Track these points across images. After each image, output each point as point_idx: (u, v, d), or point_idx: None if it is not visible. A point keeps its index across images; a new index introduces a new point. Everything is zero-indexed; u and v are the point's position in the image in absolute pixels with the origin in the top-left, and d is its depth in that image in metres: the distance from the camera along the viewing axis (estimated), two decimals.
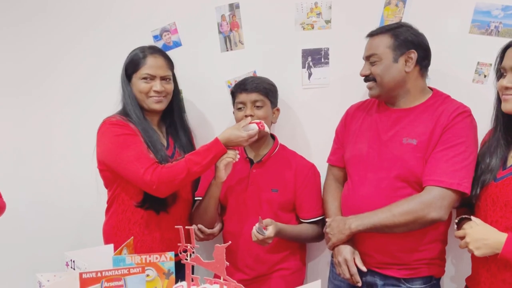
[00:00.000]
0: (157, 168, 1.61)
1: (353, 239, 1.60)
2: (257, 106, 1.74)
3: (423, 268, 1.54)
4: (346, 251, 1.57)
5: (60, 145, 2.26)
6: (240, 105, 1.76)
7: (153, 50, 1.77)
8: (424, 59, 1.55)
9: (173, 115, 1.83)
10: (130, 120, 1.69)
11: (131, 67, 1.73)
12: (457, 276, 1.73)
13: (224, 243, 1.77)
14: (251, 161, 1.80)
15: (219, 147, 1.62)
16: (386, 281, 1.56)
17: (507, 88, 1.33)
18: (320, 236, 1.81)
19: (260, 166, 1.79)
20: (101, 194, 1.87)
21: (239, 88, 1.76)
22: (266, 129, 1.68)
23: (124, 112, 1.73)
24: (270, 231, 1.59)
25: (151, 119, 1.77)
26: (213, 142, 1.64)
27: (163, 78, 1.74)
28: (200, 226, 1.75)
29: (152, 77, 1.72)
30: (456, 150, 1.45)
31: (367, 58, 1.58)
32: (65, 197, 2.27)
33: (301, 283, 1.80)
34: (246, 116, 1.72)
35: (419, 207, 1.44)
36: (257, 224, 1.59)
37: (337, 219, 1.60)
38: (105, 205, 1.81)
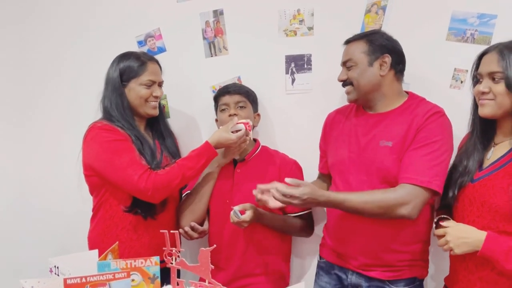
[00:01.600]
0: (151, 175, 1.61)
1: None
2: (240, 107, 1.79)
3: (406, 270, 1.57)
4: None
5: (43, 150, 2.25)
6: (223, 107, 1.79)
7: (150, 56, 1.81)
8: (398, 63, 1.60)
9: (158, 120, 1.85)
10: (118, 126, 1.68)
11: (129, 73, 1.73)
12: (436, 276, 1.77)
13: (209, 243, 1.81)
14: (234, 162, 1.82)
15: (210, 151, 1.66)
16: (371, 283, 1.59)
17: (483, 93, 1.37)
18: (307, 230, 1.86)
19: (244, 165, 1.82)
20: (86, 200, 1.85)
21: (222, 92, 1.82)
22: (250, 134, 1.71)
23: (108, 118, 1.72)
24: (246, 215, 1.63)
25: (139, 125, 1.78)
26: (204, 146, 1.67)
27: (159, 84, 1.78)
28: (193, 224, 1.75)
29: (153, 83, 1.75)
30: (428, 149, 1.48)
31: (344, 63, 1.64)
32: (47, 203, 2.25)
33: (286, 286, 1.82)
34: (230, 115, 1.75)
35: (390, 202, 1.47)
36: (235, 207, 1.63)
37: (311, 185, 1.51)
38: (89, 212, 1.79)
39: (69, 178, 2.02)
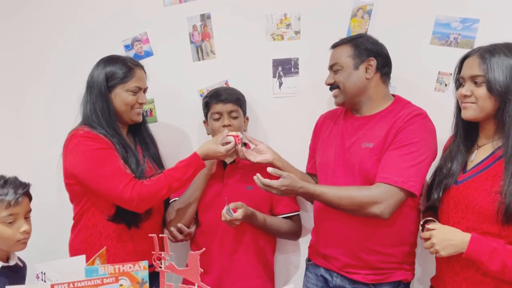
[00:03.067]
0: (137, 184, 1.59)
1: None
2: (233, 117, 1.79)
3: (390, 273, 1.58)
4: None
5: (22, 153, 2.21)
6: (216, 116, 1.79)
7: (136, 62, 1.78)
8: (383, 66, 1.62)
9: (140, 125, 1.82)
10: (100, 133, 1.65)
11: (115, 78, 1.69)
12: (423, 277, 1.79)
13: (199, 244, 1.81)
14: (224, 164, 1.83)
15: (198, 162, 1.65)
16: (355, 285, 1.61)
17: (465, 96, 1.39)
18: (296, 233, 1.88)
19: (234, 167, 1.82)
20: (66, 208, 1.82)
21: (214, 98, 1.80)
22: (238, 147, 1.70)
23: (90, 124, 1.67)
24: (238, 214, 1.64)
25: (122, 131, 1.75)
26: (192, 157, 1.66)
27: (144, 90, 1.76)
28: (180, 225, 1.76)
29: (139, 89, 1.73)
30: (406, 150, 1.49)
31: (331, 67, 1.66)
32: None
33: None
34: (224, 126, 1.76)
35: (364, 200, 1.49)
36: (226, 206, 1.63)
37: (292, 176, 1.54)
38: (70, 220, 1.76)
39: (50, 184, 1.96)
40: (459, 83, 1.45)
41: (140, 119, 1.76)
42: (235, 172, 1.81)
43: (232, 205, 1.65)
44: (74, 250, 1.73)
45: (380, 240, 1.56)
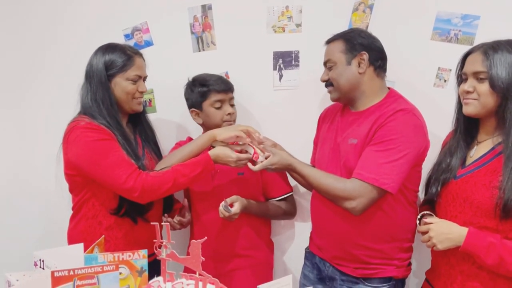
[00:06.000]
0: (141, 175, 1.58)
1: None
2: (232, 104, 1.82)
3: (379, 269, 1.58)
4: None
5: (25, 144, 2.21)
6: (218, 104, 1.79)
7: (135, 50, 1.76)
8: (377, 59, 1.61)
9: (140, 115, 1.81)
10: (101, 123, 1.62)
11: (115, 67, 1.67)
12: (418, 271, 1.81)
13: (194, 232, 1.83)
14: None
15: (208, 163, 1.64)
16: (345, 277, 1.62)
17: (467, 92, 1.40)
18: (291, 213, 1.92)
19: None
20: (65, 199, 1.83)
21: (216, 87, 1.79)
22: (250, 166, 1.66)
23: (90, 114, 1.64)
24: (236, 208, 1.66)
25: (122, 121, 1.73)
26: (203, 156, 1.65)
27: (144, 79, 1.75)
28: (179, 218, 1.78)
29: (139, 78, 1.71)
30: (383, 146, 1.48)
31: (325, 64, 1.67)
32: (27, 198, 2.23)
33: (270, 274, 1.89)
34: (229, 114, 1.78)
35: (337, 193, 1.52)
36: (223, 202, 1.65)
37: (281, 153, 1.65)
38: (68, 209, 1.76)
39: (49, 174, 1.96)
40: (461, 79, 1.46)
41: (141, 108, 1.75)
42: None
43: (228, 200, 1.66)
44: (73, 240, 1.72)
45: (368, 235, 1.56)
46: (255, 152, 1.66)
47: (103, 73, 1.66)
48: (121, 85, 1.68)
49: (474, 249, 1.34)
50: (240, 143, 1.70)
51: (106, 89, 1.66)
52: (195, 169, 1.62)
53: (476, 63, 1.38)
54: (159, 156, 1.84)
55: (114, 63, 1.67)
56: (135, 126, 1.81)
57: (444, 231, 1.40)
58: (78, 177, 1.66)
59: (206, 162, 1.63)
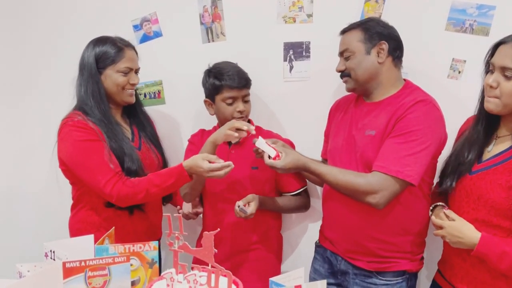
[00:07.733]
0: (118, 182, 1.59)
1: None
2: (245, 101, 1.79)
3: (393, 263, 1.57)
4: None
5: (28, 137, 2.21)
6: (230, 100, 1.75)
7: (127, 42, 1.75)
8: (395, 49, 1.58)
9: (135, 106, 1.81)
10: (91, 120, 1.64)
11: (105, 59, 1.68)
12: (429, 262, 1.78)
13: (205, 226, 1.82)
14: (229, 143, 1.81)
15: (182, 174, 1.60)
16: (358, 271, 1.61)
17: (491, 87, 1.33)
18: (306, 206, 1.90)
19: (238, 146, 1.81)
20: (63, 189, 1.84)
21: (229, 83, 1.74)
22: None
23: (83, 108, 1.66)
24: (252, 208, 1.66)
25: (115, 113, 1.75)
26: (177, 168, 1.62)
27: (136, 71, 1.74)
28: (194, 210, 1.78)
29: (130, 70, 1.71)
30: (404, 138, 1.46)
31: (341, 54, 1.63)
32: (33, 189, 2.23)
33: (278, 268, 1.89)
34: (239, 111, 1.74)
35: (359, 188, 1.48)
36: (239, 203, 1.64)
37: (293, 153, 1.59)
38: (67, 199, 1.78)
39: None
40: (488, 67, 1.38)
41: (132, 100, 1.75)
42: (240, 152, 1.80)
43: (243, 201, 1.65)
44: (73, 229, 1.75)
45: (382, 228, 1.55)
46: (277, 153, 1.57)
47: (93, 65, 1.67)
48: (111, 77, 1.69)
49: (485, 256, 1.33)
50: (255, 140, 1.63)
51: (96, 82, 1.67)
52: (168, 179, 1.60)
53: (506, 58, 1.30)
54: (157, 146, 1.84)
55: (104, 56, 1.68)
56: (131, 118, 1.82)
57: (457, 234, 1.38)
58: (68, 172, 1.69)
59: (179, 173, 1.60)
